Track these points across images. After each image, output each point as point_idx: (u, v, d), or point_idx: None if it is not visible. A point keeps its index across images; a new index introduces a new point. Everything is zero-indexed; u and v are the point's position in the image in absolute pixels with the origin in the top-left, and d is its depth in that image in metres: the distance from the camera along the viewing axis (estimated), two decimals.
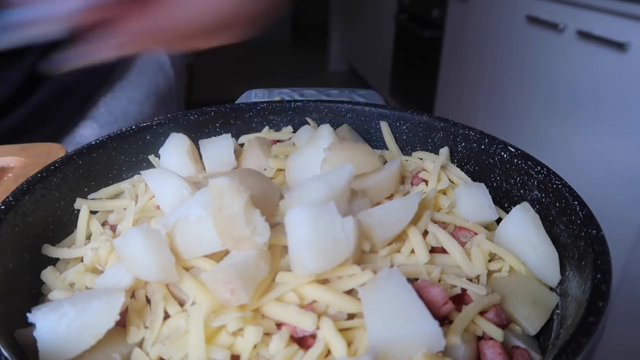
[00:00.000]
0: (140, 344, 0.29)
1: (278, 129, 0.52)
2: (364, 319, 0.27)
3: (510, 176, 0.40)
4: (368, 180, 0.37)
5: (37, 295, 0.35)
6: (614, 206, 1.25)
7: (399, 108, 0.49)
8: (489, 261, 0.35)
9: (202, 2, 0.41)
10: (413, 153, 0.48)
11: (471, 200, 0.39)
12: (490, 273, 0.34)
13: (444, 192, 0.41)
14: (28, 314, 0.28)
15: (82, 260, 0.35)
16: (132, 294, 0.31)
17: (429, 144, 0.47)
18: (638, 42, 1.20)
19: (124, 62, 0.75)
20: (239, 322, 0.27)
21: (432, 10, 2.35)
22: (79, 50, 0.39)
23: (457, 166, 0.45)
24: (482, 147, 0.43)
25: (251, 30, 0.45)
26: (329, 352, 0.27)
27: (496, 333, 0.29)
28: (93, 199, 0.42)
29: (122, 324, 0.29)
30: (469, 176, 0.43)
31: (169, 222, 0.33)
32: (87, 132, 0.72)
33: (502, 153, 0.41)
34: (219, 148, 0.45)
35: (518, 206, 0.37)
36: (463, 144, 0.45)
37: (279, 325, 0.29)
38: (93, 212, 0.40)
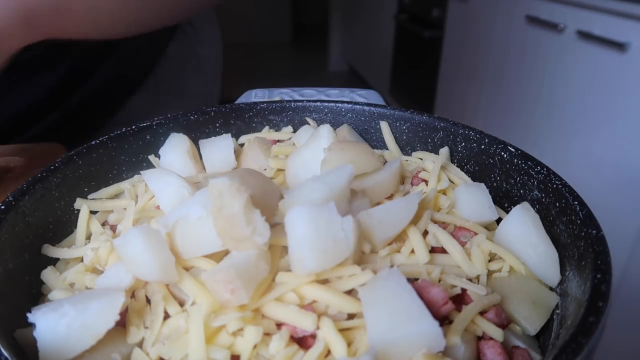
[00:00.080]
0: (140, 344, 0.29)
1: (278, 129, 0.52)
2: (364, 319, 0.27)
3: (510, 176, 0.40)
4: (368, 180, 0.37)
5: (37, 295, 0.35)
6: (614, 206, 1.25)
7: (399, 108, 0.49)
8: (489, 261, 0.35)
9: None
10: (413, 153, 0.48)
11: (471, 200, 0.39)
12: (490, 273, 0.34)
13: (444, 192, 0.41)
14: (28, 314, 0.28)
15: (82, 260, 0.35)
16: (132, 294, 0.31)
17: (429, 144, 0.47)
18: (638, 42, 1.20)
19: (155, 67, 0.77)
20: (239, 322, 0.27)
21: (432, 11, 2.35)
22: None
23: (457, 166, 0.45)
24: (482, 147, 0.43)
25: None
26: (329, 352, 0.27)
27: (496, 333, 0.29)
28: (93, 199, 0.42)
29: (122, 324, 0.29)
30: (469, 176, 0.43)
31: (169, 222, 0.33)
32: None
33: (502, 153, 0.41)
34: (219, 148, 0.45)
35: (518, 206, 0.37)
36: (463, 144, 0.45)
37: (279, 325, 0.29)
38: (93, 212, 0.40)
